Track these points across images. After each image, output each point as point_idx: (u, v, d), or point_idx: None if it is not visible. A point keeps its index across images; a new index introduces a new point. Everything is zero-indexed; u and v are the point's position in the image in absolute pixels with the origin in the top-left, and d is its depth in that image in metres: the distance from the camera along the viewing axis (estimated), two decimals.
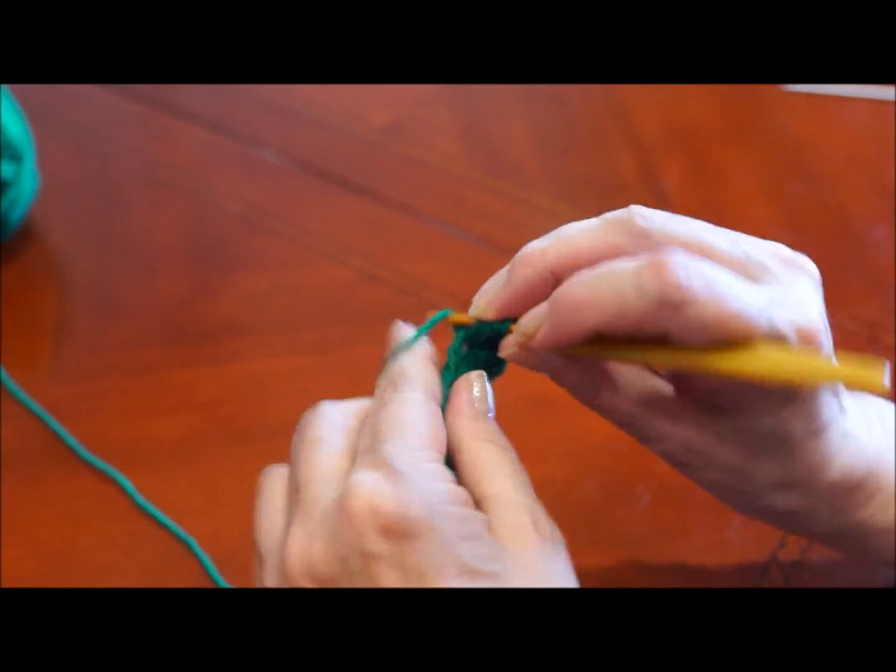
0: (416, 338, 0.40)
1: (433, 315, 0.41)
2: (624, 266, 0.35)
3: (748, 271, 0.36)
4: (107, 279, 0.70)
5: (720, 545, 0.53)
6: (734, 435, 0.38)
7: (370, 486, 0.34)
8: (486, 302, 0.40)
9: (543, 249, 0.38)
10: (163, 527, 0.55)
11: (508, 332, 0.39)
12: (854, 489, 0.41)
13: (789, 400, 0.37)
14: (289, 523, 0.36)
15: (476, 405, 0.38)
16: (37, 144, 0.71)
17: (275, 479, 0.39)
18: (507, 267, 0.39)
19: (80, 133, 0.81)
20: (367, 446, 0.36)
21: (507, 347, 0.39)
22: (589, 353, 0.38)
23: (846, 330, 0.62)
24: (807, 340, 0.35)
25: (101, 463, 0.58)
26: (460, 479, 0.37)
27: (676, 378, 0.40)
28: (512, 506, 0.36)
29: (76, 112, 0.83)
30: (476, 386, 0.39)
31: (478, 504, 0.36)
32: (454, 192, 0.75)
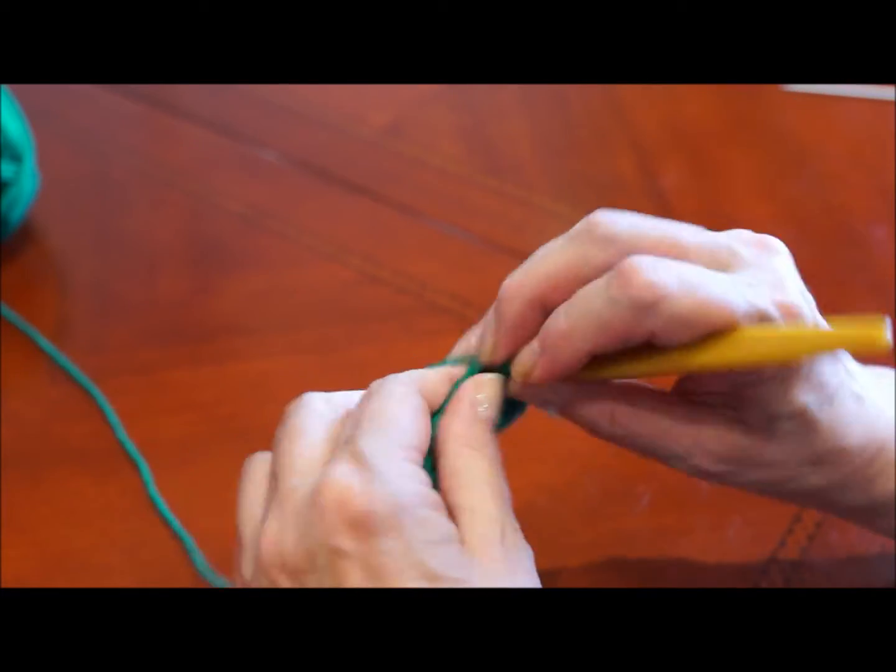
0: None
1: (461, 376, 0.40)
2: (595, 285, 0.35)
3: (718, 260, 0.36)
4: (107, 279, 0.70)
5: (720, 545, 0.53)
6: (756, 427, 0.39)
7: (341, 479, 0.34)
8: (489, 349, 0.39)
9: (520, 282, 0.38)
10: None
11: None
12: (880, 452, 0.41)
13: (793, 377, 0.37)
14: (266, 511, 0.36)
15: (477, 409, 0.38)
16: (37, 144, 0.71)
17: (257, 467, 0.39)
18: (493, 307, 0.39)
19: (80, 133, 0.81)
20: (346, 438, 0.36)
21: (512, 387, 0.39)
22: (590, 377, 0.38)
23: None
24: (790, 315, 0.35)
25: (133, 450, 0.58)
26: (440, 483, 0.37)
27: (685, 388, 0.40)
28: (483, 516, 0.35)
29: (76, 112, 0.83)
30: (485, 390, 0.39)
31: (451, 511, 0.36)
32: (454, 192, 0.75)
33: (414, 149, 0.79)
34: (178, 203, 0.75)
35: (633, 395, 0.39)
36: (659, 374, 0.37)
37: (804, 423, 0.38)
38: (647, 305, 0.34)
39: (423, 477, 0.35)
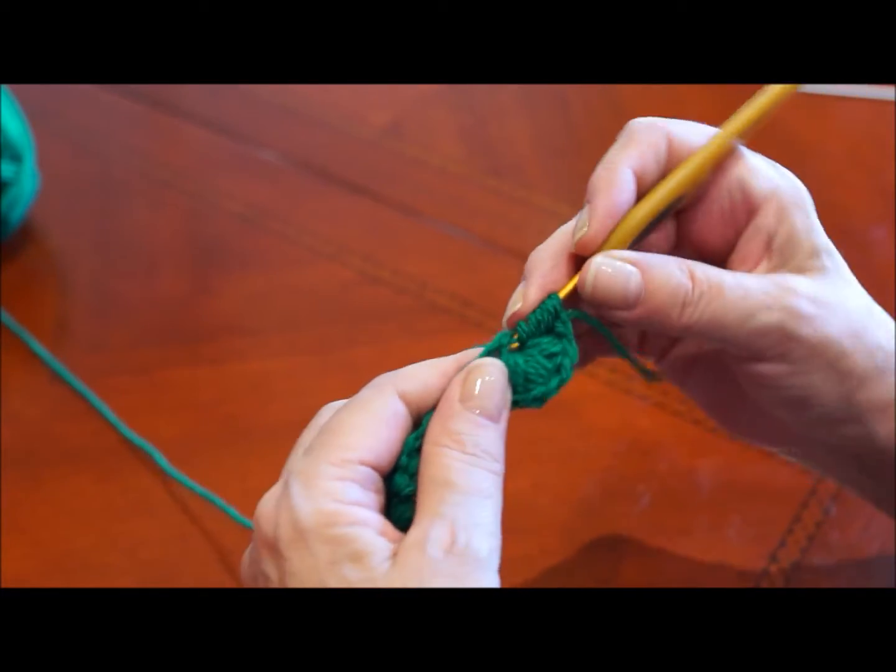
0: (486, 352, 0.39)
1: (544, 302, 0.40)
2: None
3: None
4: (107, 279, 0.70)
5: (720, 545, 0.53)
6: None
7: (264, 503, 0.36)
8: (520, 293, 0.40)
9: (547, 242, 0.41)
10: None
11: (559, 304, 0.39)
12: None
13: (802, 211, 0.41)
14: None
15: (466, 402, 0.36)
16: (37, 144, 0.71)
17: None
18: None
19: (80, 133, 0.81)
20: (301, 451, 0.37)
21: (592, 264, 0.38)
22: (643, 220, 0.40)
23: None
24: None
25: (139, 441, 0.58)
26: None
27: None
28: (427, 520, 0.34)
29: (76, 112, 0.83)
30: (480, 379, 0.37)
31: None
32: (454, 192, 0.75)
33: (414, 149, 0.79)
34: (178, 203, 0.75)
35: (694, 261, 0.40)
36: (689, 183, 0.40)
37: (837, 263, 0.41)
38: (658, 118, 0.42)
39: (350, 496, 0.34)
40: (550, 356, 0.38)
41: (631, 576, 0.52)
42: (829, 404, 0.41)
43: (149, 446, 0.58)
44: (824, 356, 0.40)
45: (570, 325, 0.39)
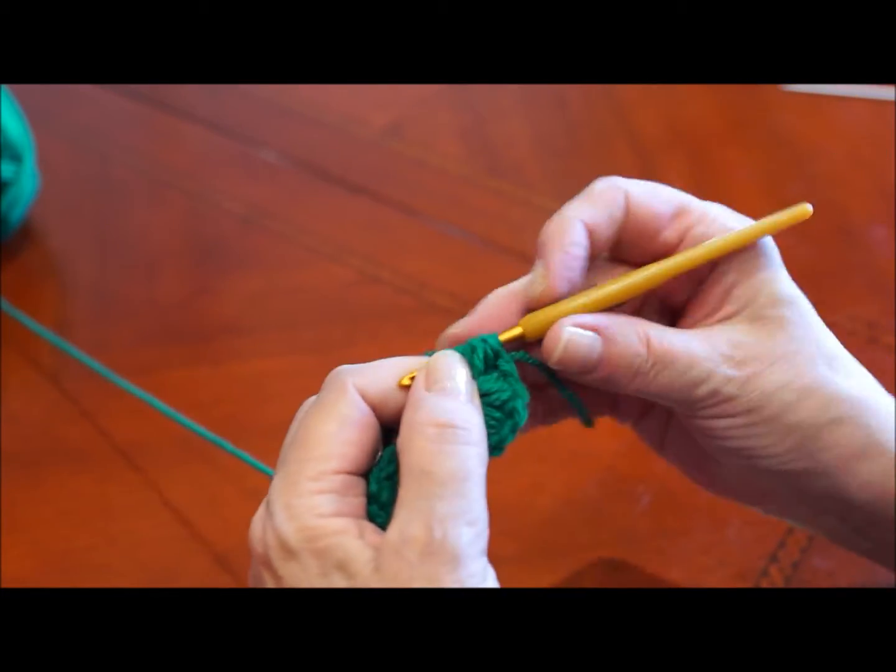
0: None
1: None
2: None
3: None
4: (107, 279, 0.70)
5: (720, 545, 0.53)
6: (758, 318, 0.41)
7: (253, 525, 0.37)
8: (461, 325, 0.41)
9: (507, 286, 0.42)
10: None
11: (493, 343, 0.39)
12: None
13: (770, 265, 0.41)
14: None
15: (432, 386, 0.37)
16: (37, 144, 0.71)
17: None
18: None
19: (80, 133, 0.81)
20: (279, 461, 0.37)
21: (560, 333, 0.39)
22: (612, 293, 0.40)
23: (846, 330, 0.62)
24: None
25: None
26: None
27: (691, 315, 0.42)
28: (403, 513, 0.34)
29: (76, 112, 0.83)
30: (440, 366, 0.38)
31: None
32: (454, 192, 0.75)
33: (414, 149, 0.79)
34: (178, 203, 0.75)
35: (653, 324, 0.41)
36: (663, 276, 0.41)
37: (800, 311, 0.41)
38: (618, 178, 0.42)
39: (329, 507, 0.35)
40: (501, 405, 0.38)
41: (631, 576, 0.52)
42: (781, 455, 0.41)
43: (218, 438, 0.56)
44: (764, 411, 0.40)
45: (513, 364, 0.39)
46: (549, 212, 0.41)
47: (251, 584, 0.38)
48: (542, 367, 0.41)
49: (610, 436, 0.59)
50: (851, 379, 0.41)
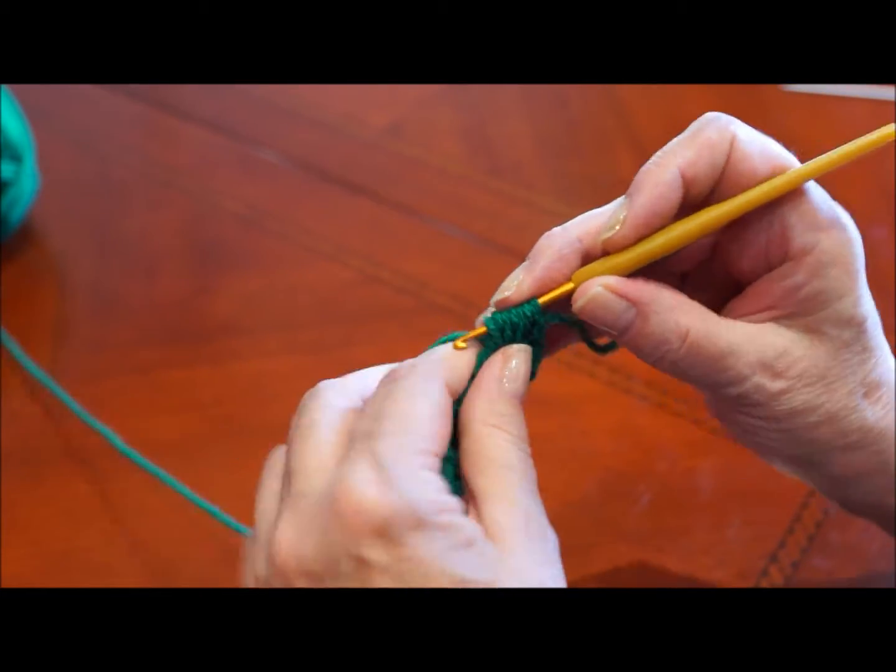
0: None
1: (440, 338, 0.39)
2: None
3: None
4: (107, 279, 0.70)
5: (720, 545, 0.53)
6: (818, 330, 0.39)
7: (360, 486, 0.33)
8: (515, 281, 0.38)
9: (565, 226, 0.39)
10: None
11: (538, 313, 0.38)
12: None
13: (854, 275, 0.39)
14: (279, 509, 0.36)
15: (504, 383, 0.37)
16: (37, 144, 0.71)
17: (276, 461, 0.38)
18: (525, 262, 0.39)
19: (80, 133, 0.81)
20: (364, 433, 0.35)
21: (588, 289, 0.37)
22: (670, 240, 0.38)
23: None
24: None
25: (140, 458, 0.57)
26: (462, 466, 0.36)
27: (746, 306, 0.40)
28: (505, 504, 0.35)
29: (76, 112, 0.83)
30: (515, 360, 0.37)
31: (473, 496, 0.35)
32: (454, 192, 0.75)
33: (414, 149, 0.79)
34: (178, 203, 0.75)
35: (701, 312, 0.39)
36: (729, 215, 0.38)
37: (861, 333, 0.39)
38: (731, 121, 0.38)
39: (440, 484, 0.35)
40: None
41: (631, 576, 0.52)
42: (786, 454, 0.41)
43: (134, 453, 0.57)
44: (783, 423, 0.40)
45: (544, 332, 0.39)
46: (549, 212, 0.41)
47: (293, 560, 0.34)
48: (579, 325, 0.40)
49: (610, 436, 0.59)
50: (884, 409, 0.40)
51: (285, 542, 0.34)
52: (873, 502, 0.43)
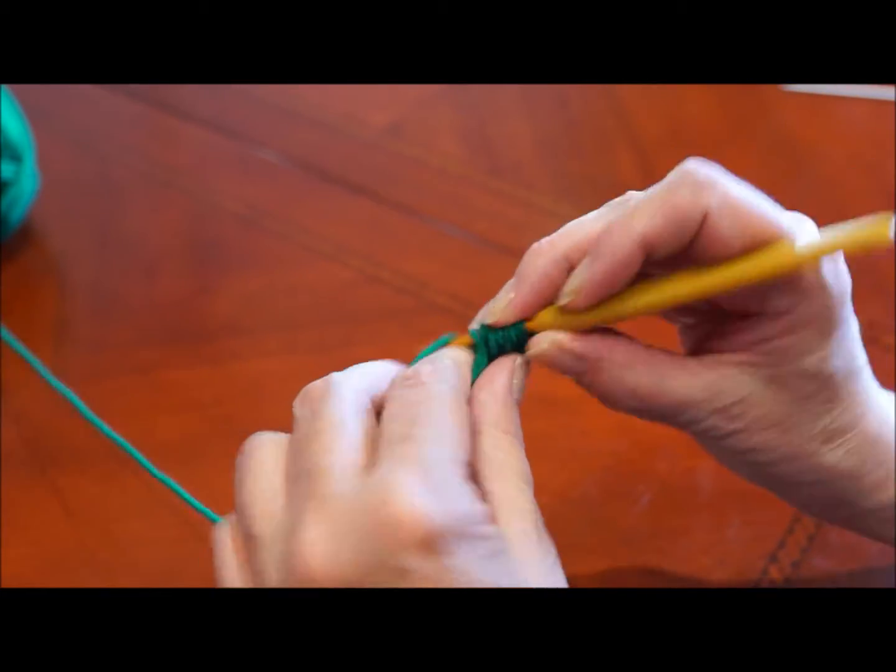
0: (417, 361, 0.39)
1: (436, 340, 0.40)
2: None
3: None
4: (107, 279, 0.70)
5: (720, 545, 0.53)
6: (781, 381, 0.38)
7: (410, 496, 0.32)
8: (503, 304, 0.39)
9: (552, 240, 0.38)
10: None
11: (524, 335, 0.39)
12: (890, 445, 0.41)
13: (829, 335, 0.38)
14: (296, 511, 0.34)
15: (512, 391, 0.38)
16: (37, 144, 0.71)
17: (269, 452, 0.37)
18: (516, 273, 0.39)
19: (80, 133, 0.81)
20: (399, 437, 0.34)
21: (540, 343, 0.38)
22: (630, 308, 0.37)
23: None
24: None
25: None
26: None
27: (709, 348, 0.39)
28: (517, 511, 0.35)
29: (76, 112, 0.83)
30: (519, 372, 0.38)
31: (484, 497, 0.35)
32: (454, 192, 0.75)
33: (414, 149, 0.79)
34: (178, 203, 0.75)
35: (656, 359, 0.39)
36: (700, 294, 0.37)
37: (826, 385, 0.38)
38: (708, 184, 0.36)
39: (477, 493, 0.34)
40: None
41: (631, 576, 0.52)
42: (760, 482, 0.43)
43: (135, 450, 0.57)
44: (737, 458, 0.41)
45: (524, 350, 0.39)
46: (549, 212, 0.41)
47: (325, 564, 0.32)
48: None
49: (610, 436, 0.59)
50: (847, 453, 0.40)
51: (318, 550, 0.32)
52: (848, 524, 0.44)
